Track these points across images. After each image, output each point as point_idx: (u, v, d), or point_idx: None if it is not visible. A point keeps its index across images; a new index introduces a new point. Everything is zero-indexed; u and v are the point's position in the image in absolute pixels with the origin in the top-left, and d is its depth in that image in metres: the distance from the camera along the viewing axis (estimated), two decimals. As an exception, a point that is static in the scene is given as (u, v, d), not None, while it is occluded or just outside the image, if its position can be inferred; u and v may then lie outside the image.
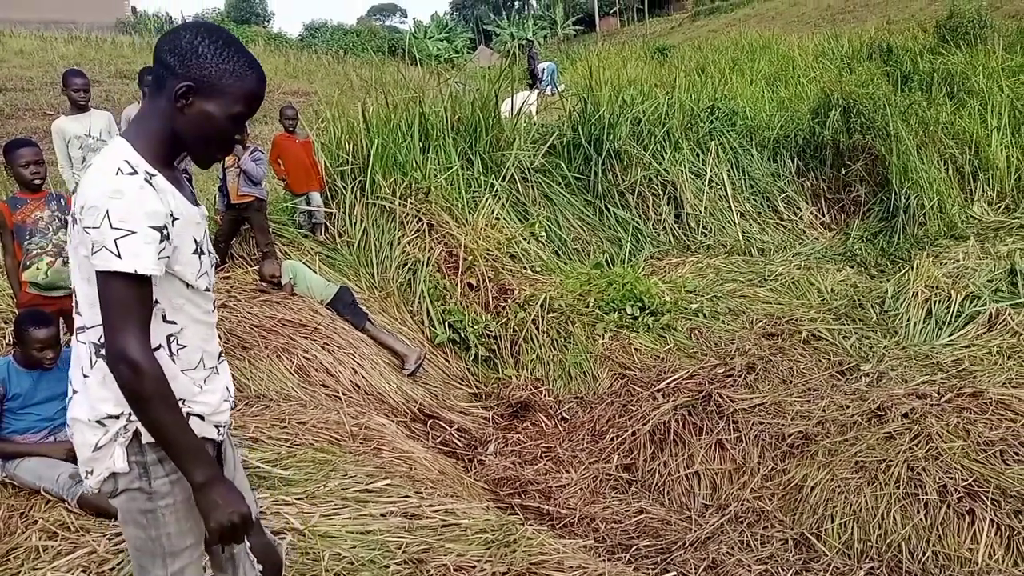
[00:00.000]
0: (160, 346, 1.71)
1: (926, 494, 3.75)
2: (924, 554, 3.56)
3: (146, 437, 1.72)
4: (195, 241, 1.74)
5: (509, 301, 6.38)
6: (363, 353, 5.56)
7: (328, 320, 5.70)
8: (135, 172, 1.63)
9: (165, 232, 1.62)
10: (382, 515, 3.37)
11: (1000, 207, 8.33)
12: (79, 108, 5.77)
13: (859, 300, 6.50)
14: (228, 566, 2.04)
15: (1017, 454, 3.96)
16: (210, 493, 1.67)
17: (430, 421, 5.29)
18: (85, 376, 1.72)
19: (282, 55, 28.43)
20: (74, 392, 1.77)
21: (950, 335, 5.70)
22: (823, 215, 8.81)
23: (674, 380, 5.18)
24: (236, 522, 1.70)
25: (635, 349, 5.87)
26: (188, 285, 1.74)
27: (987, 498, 3.65)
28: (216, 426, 1.86)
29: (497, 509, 3.96)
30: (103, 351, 1.66)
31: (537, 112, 11.20)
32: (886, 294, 6.45)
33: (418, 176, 7.26)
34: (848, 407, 4.63)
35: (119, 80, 17.21)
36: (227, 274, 6.24)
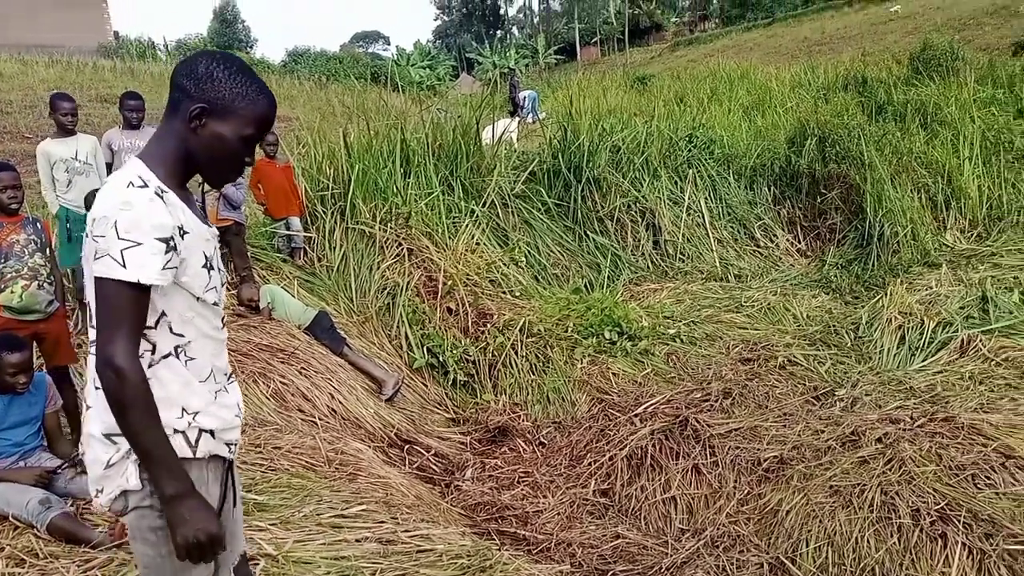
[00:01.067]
0: (169, 354, 1.75)
1: (899, 518, 3.77)
2: (897, 578, 3.58)
3: None
4: (204, 256, 1.79)
5: (488, 326, 6.40)
6: (340, 378, 5.54)
7: (305, 345, 5.68)
8: (146, 186, 1.69)
9: (171, 244, 1.67)
10: (357, 541, 3.35)
11: (972, 235, 8.47)
12: (66, 131, 5.79)
13: (834, 326, 6.56)
14: None
15: (988, 478, 4.01)
16: (179, 507, 1.67)
17: (407, 446, 5.27)
18: (97, 388, 1.73)
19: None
20: (88, 407, 1.79)
21: (923, 361, 5.76)
22: (799, 242, 8.92)
23: (651, 405, 5.20)
24: (202, 540, 1.69)
25: (613, 374, 5.89)
26: (197, 298, 1.78)
27: (959, 522, 3.67)
28: (227, 444, 1.88)
29: (473, 534, 3.95)
30: None
31: (518, 139, 11.30)
32: (860, 320, 6.53)
33: (398, 201, 7.29)
34: (823, 432, 4.67)
35: (99, 104, 17.17)
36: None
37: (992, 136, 9.44)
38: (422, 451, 5.24)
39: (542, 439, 5.38)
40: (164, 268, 1.66)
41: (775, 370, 5.78)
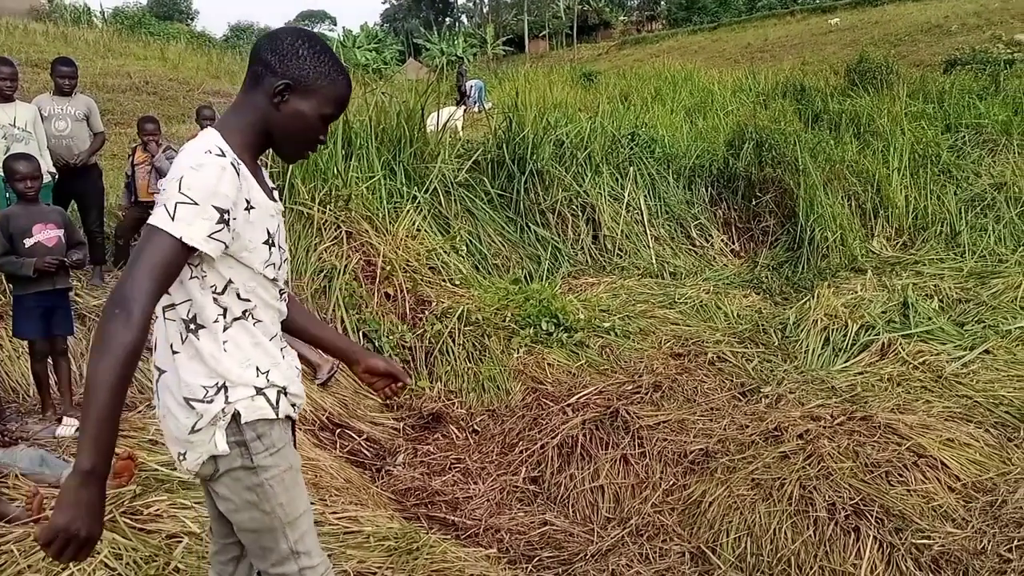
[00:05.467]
0: (240, 317, 1.77)
1: (816, 511, 3.91)
2: (811, 568, 3.71)
3: (245, 416, 1.75)
4: (267, 232, 1.81)
5: (426, 312, 6.38)
6: (273, 359, 5.46)
7: (239, 324, 5.58)
8: (223, 155, 1.69)
9: (226, 216, 1.66)
10: (284, 521, 3.32)
11: (897, 243, 8.80)
12: (4, 98, 5.61)
13: (763, 325, 6.75)
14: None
15: (900, 475, 4.19)
16: (82, 488, 1.47)
17: (339, 430, 5.23)
18: (175, 352, 1.73)
19: (204, 55, 27.78)
20: (161, 373, 1.77)
21: (845, 362, 5.98)
22: (733, 243, 9.12)
23: (584, 395, 5.27)
24: (80, 536, 1.46)
25: (548, 364, 5.95)
26: (258, 273, 1.80)
27: (871, 516, 3.84)
28: (293, 404, 1.91)
29: (402, 518, 3.97)
30: (192, 326, 1.72)
31: (463, 128, 11.27)
32: (788, 320, 6.72)
33: (339, 183, 7.20)
34: (747, 427, 4.81)
35: (30, 69, 16.48)
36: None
37: (921, 149, 9.80)
38: (354, 435, 5.21)
39: (475, 427, 5.40)
40: (209, 236, 1.64)
41: (704, 366, 5.92)
